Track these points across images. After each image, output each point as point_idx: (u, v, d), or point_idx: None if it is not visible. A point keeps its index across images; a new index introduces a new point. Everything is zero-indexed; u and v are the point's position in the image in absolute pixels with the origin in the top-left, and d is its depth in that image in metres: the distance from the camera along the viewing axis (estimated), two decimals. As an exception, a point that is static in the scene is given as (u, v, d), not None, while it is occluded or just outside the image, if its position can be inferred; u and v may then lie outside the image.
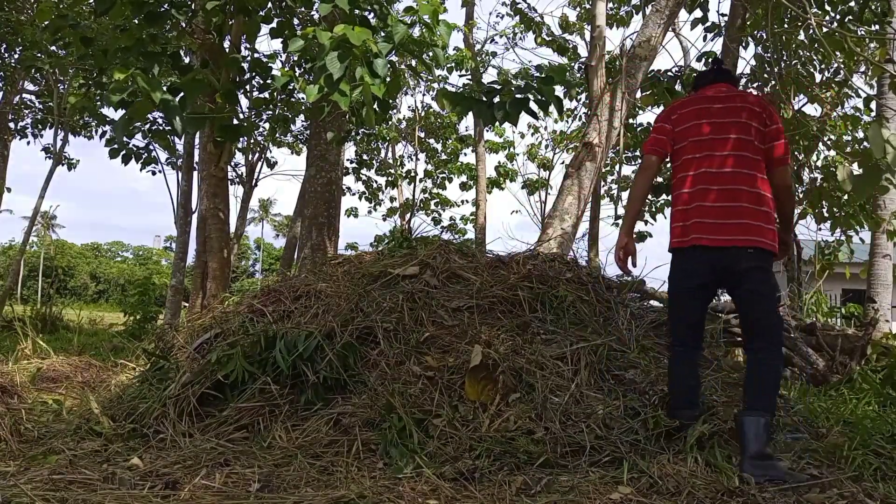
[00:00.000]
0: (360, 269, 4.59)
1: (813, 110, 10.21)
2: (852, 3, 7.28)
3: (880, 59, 7.27)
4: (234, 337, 3.94)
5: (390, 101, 4.96)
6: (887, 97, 8.11)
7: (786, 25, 8.02)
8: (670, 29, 8.76)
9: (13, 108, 14.33)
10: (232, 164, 13.85)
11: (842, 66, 8.24)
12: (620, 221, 3.72)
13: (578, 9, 12.87)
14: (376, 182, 18.71)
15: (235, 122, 6.37)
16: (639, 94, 7.91)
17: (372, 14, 5.08)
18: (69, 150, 15.26)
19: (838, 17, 7.47)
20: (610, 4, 10.63)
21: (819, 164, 9.68)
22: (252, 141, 14.42)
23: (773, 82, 8.36)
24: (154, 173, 13.21)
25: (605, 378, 3.63)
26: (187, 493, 2.64)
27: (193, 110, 5.61)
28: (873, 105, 8.65)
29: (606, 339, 3.84)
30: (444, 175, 19.17)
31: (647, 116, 11.15)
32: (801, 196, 8.60)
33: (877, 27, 7.15)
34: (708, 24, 9.13)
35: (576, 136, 15.57)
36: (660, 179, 9.97)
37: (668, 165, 3.56)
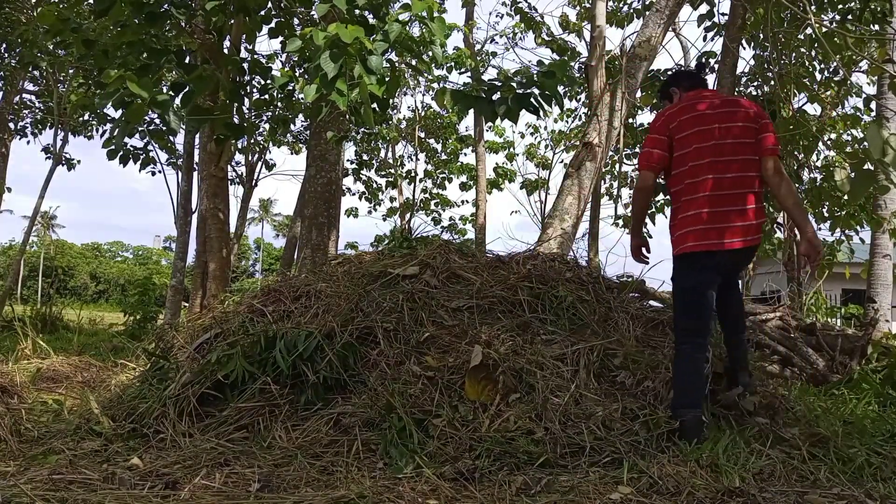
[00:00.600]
0: (360, 269, 4.59)
1: (813, 110, 10.21)
2: (852, 4, 7.28)
3: (880, 59, 7.26)
4: (234, 337, 3.94)
5: (389, 99, 4.95)
6: (887, 97, 8.11)
7: (785, 25, 8.02)
8: (670, 29, 8.76)
9: (13, 108, 14.32)
10: (232, 164, 13.84)
11: (841, 66, 8.24)
12: (629, 232, 3.77)
13: (578, 7, 12.86)
14: (376, 182, 18.71)
15: (236, 121, 6.37)
16: (639, 94, 7.90)
17: (371, 14, 5.08)
18: (69, 150, 15.22)
19: (839, 17, 7.47)
20: (610, 4, 10.63)
21: (819, 164, 9.68)
22: (252, 141, 14.41)
23: (773, 82, 8.36)
24: (154, 173, 13.20)
25: (605, 378, 3.63)
26: (187, 493, 2.64)
27: (194, 108, 5.61)
28: (873, 105, 8.64)
29: (606, 340, 3.84)
30: (444, 175, 19.17)
31: (647, 116, 11.13)
32: (801, 196, 8.60)
33: (876, 27, 7.14)
34: (709, 22, 9.12)
35: (576, 136, 15.57)
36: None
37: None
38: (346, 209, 18.80)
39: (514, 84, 4.51)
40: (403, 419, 3.23)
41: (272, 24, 6.55)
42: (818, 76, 9.18)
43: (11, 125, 14.58)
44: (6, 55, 12.35)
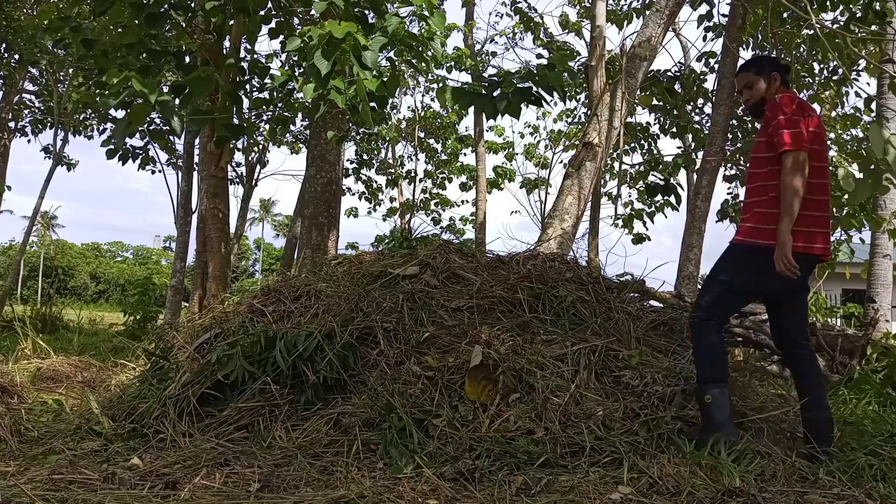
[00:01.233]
0: (360, 269, 4.59)
1: (813, 110, 10.16)
2: (852, 4, 7.28)
3: (877, 59, 7.26)
4: (234, 337, 3.94)
5: (388, 98, 4.93)
6: (887, 97, 8.11)
7: (786, 25, 8.02)
8: (670, 29, 8.75)
9: (13, 108, 14.31)
10: (232, 164, 13.83)
11: (840, 66, 8.24)
12: (781, 223, 3.10)
13: (578, 7, 12.86)
14: (376, 182, 18.72)
15: (236, 121, 6.36)
16: (638, 94, 7.91)
17: (370, 11, 5.07)
18: (69, 150, 15.21)
19: (839, 17, 7.48)
20: (610, 2, 10.62)
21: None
22: (251, 141, 14.40)
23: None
24: (154, 173, 13.23)
25: (605, 379, 3.63)
26: (187, 493, 2.64)
27: (194, 109, 5.61)
28: (873, 105, 8.64)
29: (606, 340, 3.84)
30: (443, 175, 19.17)
31: (648, 117, 11.13)
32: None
33: (875, 27, 7.14)
34: (710, 22, 9.12)
35: (576, 135, 15.57)
36: (658, 180, 9.98)
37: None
38: (346, 209, 18.80)
39: (514, 80, 4.51)
40: (403, 419, 3.23)
41: (272, 25, 6.55)
42: (818, 76, 9.19)
43: (11, 125, 14.57)
44: (6, 54, 12.34)
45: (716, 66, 9.43)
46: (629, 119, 9.67)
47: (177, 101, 5.01)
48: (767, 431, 3.34)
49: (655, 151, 10.98)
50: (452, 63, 13.28)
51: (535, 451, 3.03)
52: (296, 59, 8.38)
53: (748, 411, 3.47)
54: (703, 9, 9.13)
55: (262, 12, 6.21)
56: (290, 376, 3.62)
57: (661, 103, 9.90)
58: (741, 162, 9.77)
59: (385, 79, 4.39)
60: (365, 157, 17.85)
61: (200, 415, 3.56)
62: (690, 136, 10.66)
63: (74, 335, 8.64)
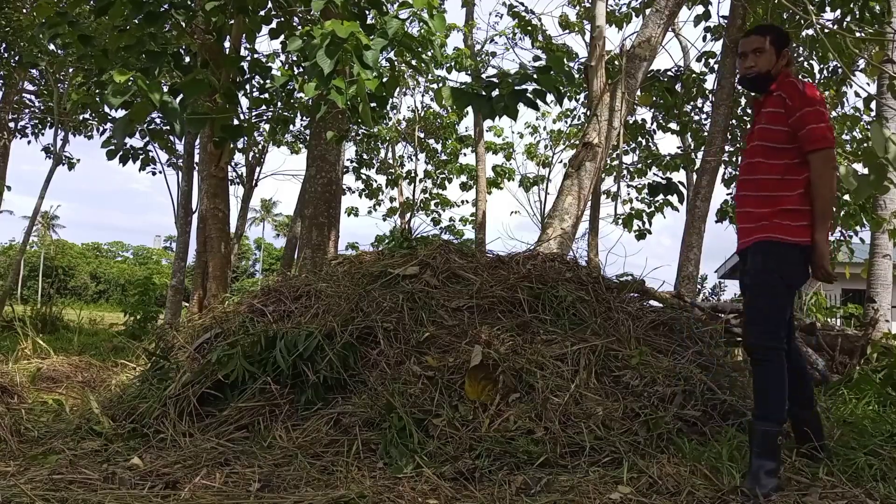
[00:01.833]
0: (360, 269, 4.59)
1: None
2: (851, 4, 7.28)
3: (877, 59, 7.26)
4: (234, 337, 3.94)
5: (387, 97, 4.93)
6: (887, 97, 8.11)
7: (786, 26, 8.01)
8: (670, 29, 8.76)
9: (13, 108, 14.31)
10: (232, 164, 13.84)
11: (840, 66, 8.24)
12: (818, 231, 2.88)
13: (578, 7, 12.87)
14: (376, 181, 18.72)
15: (235, 121, 6.36)
16: (638, 94, 7.91)
17: (370, 10, 5.07)
18: (69, 150, 15.20)
19: (839, 17, 7.47)
20: (610, 3, 10.63)
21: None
22: (251, 141, 14.40)
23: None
24: (154, 173, 13.21)
25: (605, 378, 3.63)
26: (187, 493, 2.64)
27: (193, 110, 5.61)
28: (873, 104, 8.64)
29: (606, 340, 3.84)
30: (443, 175, 19.17)
31: (646, 114, 11.11)
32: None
33: (876, 27, 7.15)
34: (709, 22, 9.12)
35: (575, 135, 15.57)
36: (658, 178, 9.98)
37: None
38: (346, 208, 18.80)
39: (511, 81, 4.51)
40: (403, 419, 3.23)
41: (272, 25, 6.55)
42: (818, 76, 9.18)
43: (11, 125, 14.57)
44: (6, 55, 12.35)
45: (716, 66, 9.43)
46: (629, 118, 9.69)
47: (176, 102, 5.01)
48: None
49: (653, 147, 11.00)
50: (452, 63, 13.29)
51: (535, 451, 3.03)
52: (296, 58, 8.38)
53: (749, 411, 3.47)
54: (700, 9, 9.13)
55: (262, 12, 6.22)
56: (290, 376, 3.62)
57: (660, 101, 9.90)
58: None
59: (385, 79, 4.38)
60: (365, 156, 17.86)
61: (201, 415, 3.56)
62: (690, 135, 10.67)
63: (74, 335, 8.64)
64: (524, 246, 5.17)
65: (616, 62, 7.98)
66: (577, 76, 9.07)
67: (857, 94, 9.21)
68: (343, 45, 4.05)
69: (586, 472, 2.91)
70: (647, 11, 7.52)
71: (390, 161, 18.93)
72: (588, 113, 7.15)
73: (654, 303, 4.88)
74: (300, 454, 3.10)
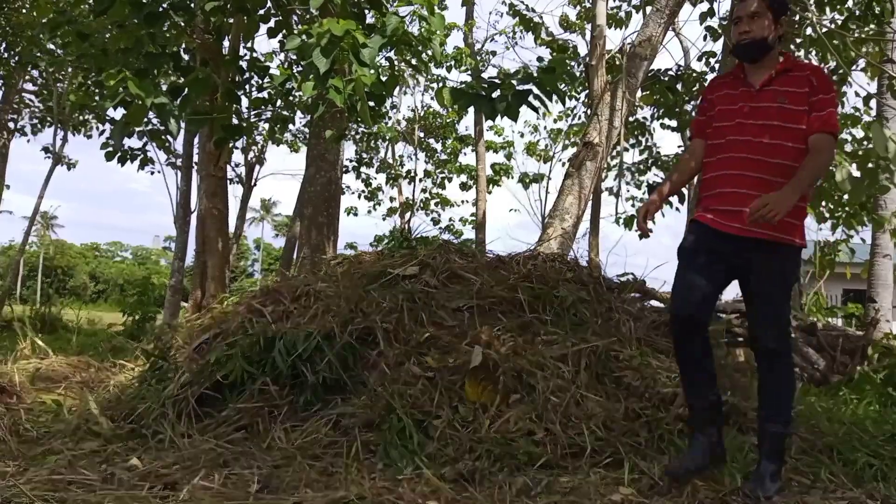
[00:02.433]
0: (360, 269, 4.57)
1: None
2: (851, 4, 7.27)
3: (876, 59, 7.26)
4: (233, 337, 3.93)
5: (385, 94, 4.91)
6: (887, 96, 8.10)
7: (785, 26, 8.00)
8: (670, 28, 8.74)
9: (12, 108, 14.30)
10: (231, 163, 13.82)
11: (840, 66, 8.23)
12: (791, 185, 2.65)
13: (579, 7, 12.86)
14: (375, 179, 18.71)
15: (235, 121, 6.35)
16: (639, 94, 7.90)
17: (369, 8, 5.05)
18: (69, 150, 15.20)
19: (839, 17, 7.47)
20: (611, 3, 10.62)
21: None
22: (250, 140, 14.39)
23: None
24: (153, 173, 13.19)
25: (606, 379, 3.62)
26: (186, 494, 2.63)
27: (193, 110, 5.59)
28: (873, 104, 8.63)
29: (607, 340, 3.83)
30: (443, 175, 19.16)
31: (645, 112, 11.11)
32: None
33: (875, 26, 7.14)
34: (711, 20, 9.10)
35: (576, 134, 15.56)
36: (658, 178, 9.97)
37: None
38: (345, 208, 18.78)
39: (514, 81, 4.50)
40: (403, 420, 3.22)
41: (271, 24, 6.53)
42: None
43: (11, 125, 14.55)
44: (6, 55, 12.33)
45: (716, 67, 9.42)
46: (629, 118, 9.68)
47: (175, 102, 5.00)
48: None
49: (652, 144, 11.01)
50: (452, 62, 13.28)
51: (536, 453, 3.02)
52: (294, 57, 8.37)
53: (749, 411, 3.46)
54: (705, 6, 9.10)
55: (261, 11, 6.20)
56: (289, 377, 3.61)
57: (661, 99, 9.90)
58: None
59: (384, 78, 4.37)
60: (364, 156, 17.85)
61: (199, 415, 3.55)
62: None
63: (73, 335, 8.61)
64: (524, 246, 5.16)
65: (617, 61, 7.97)
66: (578, 75, 9.07)
67: (857, 94, 9.18)
68: (339, 43, 4.04)
69: (587, 473, 2.90)
70: (648, 10, 7.50)
71: (390, 161, 18.92)
72: (589, 112, 7.14)
73: (654, 303, 4.87)
74: (299, 455, 3.09)
